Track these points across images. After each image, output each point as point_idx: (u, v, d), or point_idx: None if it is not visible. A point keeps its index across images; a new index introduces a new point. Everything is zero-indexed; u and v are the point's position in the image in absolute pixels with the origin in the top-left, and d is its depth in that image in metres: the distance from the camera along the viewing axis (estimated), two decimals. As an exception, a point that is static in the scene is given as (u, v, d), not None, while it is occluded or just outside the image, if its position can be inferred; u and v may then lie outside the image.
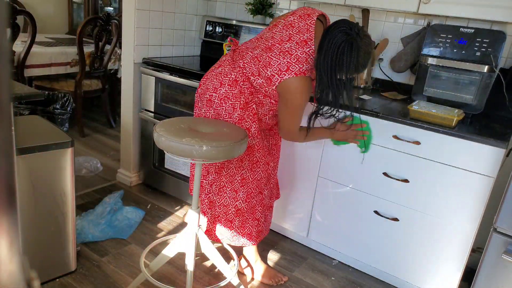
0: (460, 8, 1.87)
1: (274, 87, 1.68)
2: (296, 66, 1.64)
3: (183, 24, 2.78)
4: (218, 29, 2.85)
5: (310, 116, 1.77)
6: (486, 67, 1.91)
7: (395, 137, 1.85)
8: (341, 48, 1.56)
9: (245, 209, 1.86)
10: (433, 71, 2.07)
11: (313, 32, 1.66)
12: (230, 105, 1.74)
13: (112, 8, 4.61)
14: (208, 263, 2.08)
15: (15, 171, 0.45)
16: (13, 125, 0.43)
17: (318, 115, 1.75)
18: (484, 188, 1.68)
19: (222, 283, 1.81)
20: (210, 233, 1.94)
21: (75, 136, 3.49)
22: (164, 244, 2.12)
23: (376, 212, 1.98)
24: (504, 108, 2.01)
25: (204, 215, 1.92)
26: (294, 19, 1.69)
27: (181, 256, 2.00)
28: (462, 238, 1.78)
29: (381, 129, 1.88)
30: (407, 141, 1.82)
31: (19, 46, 3.20)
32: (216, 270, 2.03)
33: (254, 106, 1.76)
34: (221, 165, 1.82)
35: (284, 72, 1.64)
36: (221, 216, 1.89)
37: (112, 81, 3.86)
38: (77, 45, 3.28)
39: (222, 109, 1.75)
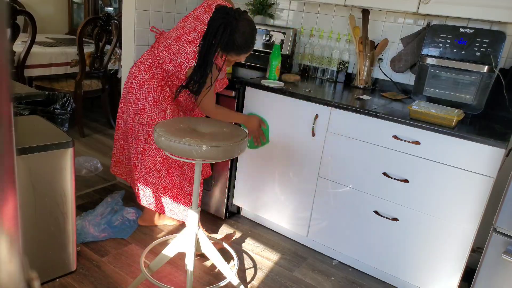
0: (460, 8, 1.87)
1: (184, 72, 1.89)
2: None
3: (183, 24, 2.77)
4: (218, 29, 2.84)
5: (177, 88, 1.95)
6: (486, 67, 1.91)
7: (395, 137, 1.85)
8: (218, 29, 1.78)
9: (170, 185, 2.06)
10: (433, 71, 2.07)
11: None
12: (145, 89, 1.96)
13: (112, 8, 4.61)
14: (208, 263, 2.08)
15: (15, 171, 0.45)
16: (13, 125, 0.43)
17: (185, 88, 1.92)
18: (484, 188, 1.68)
19: (222, 283, 1.81)
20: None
21: (75, 136, 3.49)
22: (164, 244, 2.12)
23: (376, 212, 1.98)
24: (504, 108, 2.01)
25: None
26: (200, 11, 1.89)
27: (181, 256, 2.00)
28: (462, 238, 1.78)
29: (381, 129, 1.88)
30: (407, 141, 1.82)
31: (19, 46, 3.20)
32: (216, 270, 2.04)
33: (167, 89, 1.99)
34: (144, 147, 2.02)
35: (191, 60, 1.85)
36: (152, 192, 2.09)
37: (112, 81, 3.86)
38: (77, 45, 3.28)
39: (140, 93, 1.96)
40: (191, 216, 1.73)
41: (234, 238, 2.34)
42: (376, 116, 1.87)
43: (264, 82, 2.22)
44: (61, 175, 1.70)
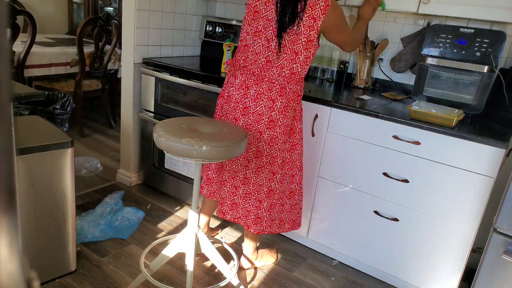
0: (460, 8, 1.87)
1: (316, 34, 1.67)
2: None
3: (183, 24, 2.78)
4: (218, 29, 2.85)
5: None
6: (486, 67, 1.91)
7: (395, 137, 1.85)
8: None
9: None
10: (433, 71, 2.07)
11: None
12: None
13: (112, 8, 4.61)
14: (208, 263, 2.08)
15: (15, 171, 0.45)
16: (13, 125, 0.43)
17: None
18: (484, 188, 1.68)
19: (222, 283, 1.81)
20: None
21: (75, 136, 3.49)
22: (164, 244, 2.12)
23: (376, 212, 1.98)
24: (504, 108, 2.01)
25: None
26: None
27: (181, 256, 2.00)
28: (462, 238, 1.78)
29: (381, 129, 1.88)
30: (407, 141, 1.82)
31: (19, 46, 3.20)
32: (216, 270, 2.03)
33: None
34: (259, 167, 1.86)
35: (314, 18, 1.64)
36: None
37: (112, 81, 3.86)
38: (77, 45, 3.27)
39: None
40: (191, 216, 1.73)
41: (234, 238, 2.34)
42: (376, 116, 1.87)
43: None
44: (61, 175, 1.70)
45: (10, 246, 0.45)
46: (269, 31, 1.71)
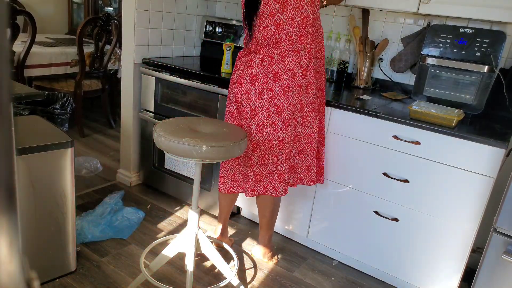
0: (460, 8, 1.87)
1: None
2: None
3: (183, 24, 2.78)
4: (218, 29, 2.85)
5: None
6: (486, 67, 1.91)
7: (395, 137, 1.85)
8: None
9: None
10: (433, 71, 2.07)
11: None
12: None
13: (112, 8, 4.61)
14: (208, 263, 2.08)
15: (15, 171, 0.45)
16: (13, 125, 0.43)
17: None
18: (484, 188, 1.68)
19: (222, 283, 1.81)
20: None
21: (75, 136, 3.49)
22: (164, 244, 2.12)
23: (376, 212, 1.98)
24: (504, 108, 2.01)
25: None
26: None
27: (181, 256, 2.00)
28: (462, 238, 1.78)
29: (381, 129, 1.88)
30: (407, 141, 1.82)
31: (19, 46, 3.20)
32: (216, 270, 2.03)
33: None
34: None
35: None
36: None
37: (112, 81, 3.86)
38: (77, 45, 3.28)
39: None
40: (191, 216, 1.73)
41: (234, 238, 2.34)
42: (376, 116, 1.87)
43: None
44: (61, 175, 1.70)
45: (10, 246, 0.45)
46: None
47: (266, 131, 1.83)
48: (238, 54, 1.91)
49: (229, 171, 1.99)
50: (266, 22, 1.78)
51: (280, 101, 1.80)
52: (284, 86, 1.79)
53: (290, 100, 1.80)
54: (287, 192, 1.96)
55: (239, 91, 1.85)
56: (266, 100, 1.81)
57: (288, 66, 1.78)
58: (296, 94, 1.81)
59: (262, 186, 1.92)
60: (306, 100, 1.87)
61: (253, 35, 1.82)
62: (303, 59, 1.79)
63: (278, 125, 1.82)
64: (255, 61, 1.81)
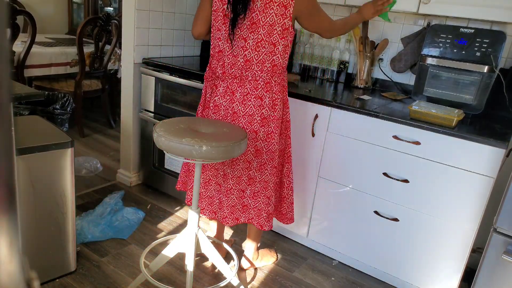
0: (460, 8, 1.87)
1: (290, 21, 1.65)
2: None
3: (183, 24, 2.78)
4: (218, 29, 2.84)
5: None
6: (486, 67, 1.91)
7: (395, 137, 1.85)
8: None
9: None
10: (433, 71, 2.07)
11: None
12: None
13: (112, 8, 4.61)
14: (208, 263, 2.08)
15: (15, 171, 0.45)
16: (13, 125, 0.43)
17: None
18: (484, 188, 1.68)
19: (222, 283, 1.81)
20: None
21: (75, 136, 3.49)
22: (164, 244, 2.12)
23: (376, 212, 1.98)
24: (504, 108, 2.01)
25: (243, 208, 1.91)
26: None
27: (181, 256, 2.00)
28: (462, 238, 1.78)
29: (381, 129, 1.88)
30: (407, 141, 1.82)
31: (19, 46, 3.20)
32: (216, 270, 2.03)
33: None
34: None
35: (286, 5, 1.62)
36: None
37: (112, 81, 3.86)
38: (77, 45, 3.28)
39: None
40: (191, 216, 1.73)
41: (234, 238, 2.34)
42: (376, 116, 1.87)
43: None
44: (61, 175, 1.70)
45: (10, 246, 0.45)
46: (244, 30, 1.67)
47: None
48: (205, 73, 1.83)
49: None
50: (237, 51, 1.70)
51: None
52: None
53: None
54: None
55: (204, 113, 1.87)
56: None
57: (247, 110, 1.74)
58: (251, 138, 1.77)
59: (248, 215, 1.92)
60: (265, 148, 1.79)
61: (225, 55, 1.73)
62: (266, 108, 1.73)
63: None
64: (219, 90, 1.77)
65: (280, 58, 1.70)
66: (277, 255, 2.20)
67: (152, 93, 2.54)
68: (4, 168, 0.43)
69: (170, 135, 1.51)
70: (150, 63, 2.53)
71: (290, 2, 1.62)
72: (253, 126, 1.75)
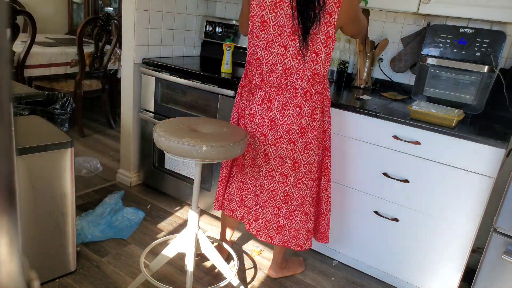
0: (460, 8, 1.87)
1: (333, 29, 1.60)
2: None
3: (183, 24, 2.78)
4: (218, 29, 2.85)
5: None
6: (486, 67, 1.91)
7: (395, 137, 1.85)
8: None
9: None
10: (433, 71, 2.07)
11: None
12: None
13: (112, 8, 4.61)
14: (208, 264, 2.08)
15: (15, 171, 0.45)
16: (13, 125, 0.43)
17: None
18: (484, 188, 1.68)
19: (222, 284, 1.81)
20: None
21: (75, 137, 3.49)
22: (164, 244, 2.12)
23: (376, 212, 1.98)
24: (504, 108, 2.01)
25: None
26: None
27: (181, 256, 2.00)
28: (462, 238, 1.78)
29: (381, 129, 1.88)
30: (407, 141, 1.82)
31: (19, 46, 3.20)
32: (216, 270, 2.03)
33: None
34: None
35: (332, 11, 1.56)
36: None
37: (112, 81, 3.86)
38: (77, 45, 3.28)
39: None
40: (191, 216, 1.73)
41: (234, 239, 2.34)
42: (376, 116, 1.87)
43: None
44: (61, 175, 1.70)
45: (10, 246, 0.45)
46: (285, 37, 1.62)
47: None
48: (241, 81, 1.81)
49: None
50: (276, 59, 1.65)
51: (269, 150, 1.75)
52: (278, 137, 1.72)
53: (279, 152, 1.73)
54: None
55: (240, 122, 1.84)
56: (258, 143, 1.77)
57: (285, 119, 1.69)
58: (289, 149, 1.72)
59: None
60: (304, 160, 1.74)
61: (263, 63, 1.67)
62: (305, 117, 1.68)
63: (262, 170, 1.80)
64: (256, 97, 1.73)
65: (322, 66, 1.66)
66: (305, 265, 2.14)
67: (152, 93, 2.54)
68: (4, 168, 0.43)
69: (170, 135, 1.51)
70: (150, 63, 2.53)
71: (336, 9, 1.57)
72: (291, 136, 1.70)
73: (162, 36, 2.64)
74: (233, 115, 1.89)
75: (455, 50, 2.01)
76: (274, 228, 1.84)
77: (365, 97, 2.18)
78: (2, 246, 0.44)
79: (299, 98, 1.67)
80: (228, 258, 2.12)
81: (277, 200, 1.80)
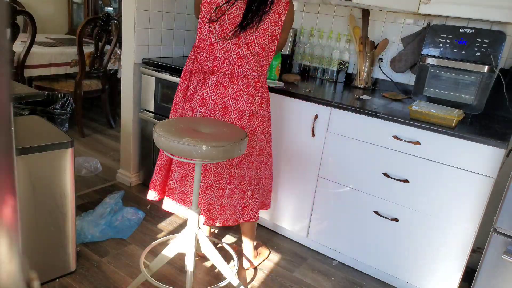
0: (460, 8, 1.87)
1: (280, 29, 1.75)
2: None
3: (183, 24, 2.78)
4: (218, 29, 2.84)
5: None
6: (486, 67, 1.91)
7: (395, 137, 1.85)
8: None
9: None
10: (433, 71, 2.07)
11: None
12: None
13: (112, 8, 4.61)
14: (208, 264, 2.08)
15: (15, 171, 0.45)
16: (13, 125, 0.43)
17: None
18: (484, 188, 1.68)
19: (222, 283, 1.81)
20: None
21: (75, 137, 3.49)
22: (164, 244, 2.12)
23: (376, 212, 1.98)
24: (504, 108, 2.01)
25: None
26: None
27: (181, 256, 2.00)
28: (462, 238, 1.78)
29: (381, 129, 1.88)
30: (407, 141, 1.82)
31: (19, 46, 3.20)
32: (216, 270, 2.03)
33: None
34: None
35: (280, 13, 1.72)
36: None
37: (112, 81, 3.86)
38: (77, 45, 3.27)
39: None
40: (191, 216, 1.73)
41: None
42: (376, 116, 1.87)
43: (264, 82, 2.21)
44: (61, 175, 1.70)
45: (10, 246, 0.45)
46: (237, 29, 1.72)
47: None
48: (189, 65, 1.82)
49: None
50: (230, 46, 1.74)
51: None
52: (229, 122, 1.78)
53: None
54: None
55: (185, 106, 1.86)
56: None
57: (238, 106, 1.77)
58: None
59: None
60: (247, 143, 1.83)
61: (216, 49, 1.75)
62: (255, 105, 1.79)
63: None
64: (209, 83, 1.78)
65: (266, 61, 1.80)
66: (269, 250, 2.23)
67: (152, 93, 2.54)
68: (4, 168, 0.43)
69: (170, 135, 1.51)
70: (150, 63, 2.53)
71: (283, 12, 1.73)
72: (241, 122, 1.79)
73: (162, 36, 2.64)
74: (176, 99, 1.89)
75: (455, 50, 2.02)
76: (217, 210, 1.90)
77: (365, 97, 2.18)
78: (2, 246, 0.44)
79: (251, 87, 1.78)
80: (227, 258, 2.12)
81: (223, 183, 1.87)
